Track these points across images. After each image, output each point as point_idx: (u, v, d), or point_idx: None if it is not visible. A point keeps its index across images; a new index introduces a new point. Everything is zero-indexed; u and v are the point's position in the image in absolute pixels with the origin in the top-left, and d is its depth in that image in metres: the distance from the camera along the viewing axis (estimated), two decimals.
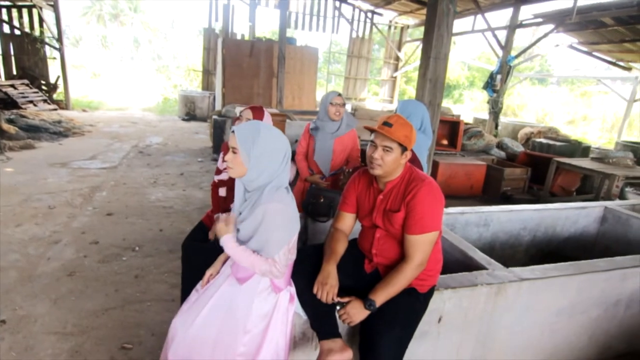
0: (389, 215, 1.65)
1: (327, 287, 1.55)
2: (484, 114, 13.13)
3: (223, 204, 2.42)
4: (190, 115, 12.52)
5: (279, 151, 1.47)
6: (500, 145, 7.47)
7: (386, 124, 1.57)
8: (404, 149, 1.61)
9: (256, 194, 1.46)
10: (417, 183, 1.62)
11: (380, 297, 1.56)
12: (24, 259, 3.27)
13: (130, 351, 2.32)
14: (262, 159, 1.44)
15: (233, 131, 1.47)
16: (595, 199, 5.34)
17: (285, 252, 1.44)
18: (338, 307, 1.61)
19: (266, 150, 1.44)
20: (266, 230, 1.41)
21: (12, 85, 10.73)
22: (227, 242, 1.48)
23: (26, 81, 11.40)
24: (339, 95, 2.91)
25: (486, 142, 7.04)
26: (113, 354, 2.28)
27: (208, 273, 1.70)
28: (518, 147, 7.41)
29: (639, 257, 2.41)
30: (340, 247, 1.73)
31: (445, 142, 6.75)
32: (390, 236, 1.69)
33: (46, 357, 2.24)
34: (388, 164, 1.60)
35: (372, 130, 1.64)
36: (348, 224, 1.84)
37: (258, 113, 2.34)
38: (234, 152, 1.45)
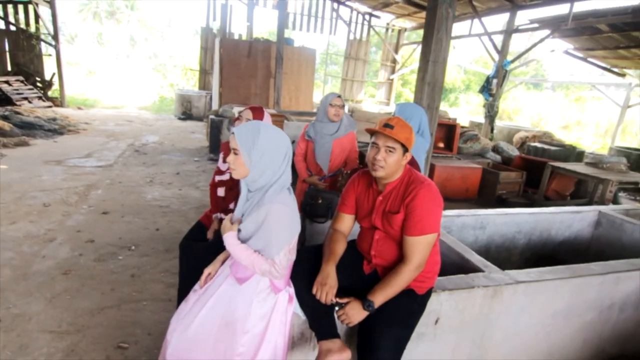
0: (388, 217, 1.66)
1: (327, 287, 1.56)
2: (480, 118, 13.22)
3: (222, 204, 2.42)
4: (187, 114, 12.49)
5: (280, 150, 1.48)
6: (495, 149, 7.52)
7: (387, 125, 1.58)
8: (405, 150, 1.62)
9: (259, 194, 1.46)
10: (417, 185, 1.63)
11: (379, 298, 1.57)
12: (18, 257, 3.24)
13: (126, 350, 2.31)
14: (263, 159, 1.44)
15: (233, 132, 1.48)
16: (589, 203, 5.40)
17: (286, 253, 1.45)
18: (337, 308, 1.61)
19: (267, 149, 1.45)
20: (267, 230, 1.41)
21: (7, 82, 10.65)
22: (230, 238, 1.50)
23: (21, 78, 11.32)
24: (339, 96, 2.92)
25: (482, 145, 7.09)
26: (109, 353, 2.27)
27: (206, 272, 1.70)
28: (513, 151, 7.47)
29: (633, 261, 2.44)
30: (340, 248, 1.74)
31: (441, 145, 6.79)
32: (389, 237, 1.70)
33: (41, 356, 2.22)
34: (391, 165, 1.62)
35: (372, 133, 1.65)
36: (347, 225, 1.85)
37: (258, 113, 2.34)
38: (235, 154, 1.45)
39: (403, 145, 1.61)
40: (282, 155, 1.48)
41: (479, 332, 2.06)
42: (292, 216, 1.46)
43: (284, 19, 9.96)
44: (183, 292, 2.25)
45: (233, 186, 2.41)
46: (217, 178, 2.50)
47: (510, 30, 9.58)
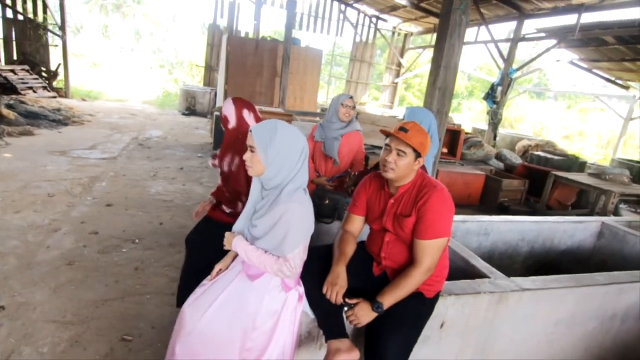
0: (400, 220, 1.68)
1: (337, 287, 1.57)
2: (481, 124, 13.25)
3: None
4: (191, 110, 12.50)
5: (296, 149, 1.49)
6: (499, 157, 7.54)
7: (403, 129, 1.60)
8: (417, 155, 1.63)
9: (275, 193, 1.48)
10: (430, 189, 1.64)
11: (388, 300, 1.58)
12: (23, 246, 3.25)
13: (130, 343, 2.32)
14: (280, 157, 1.46)
15: (251, 130, 1.49)
16: (591, 214, 5.43)
17: (300, 253, 1.46)
18: (346, 309, 1.62)
19: (283, 148, 1.46)
20: (283, 229, 1.42)
21: (13, 71, 10.64)
22: (239, 242, 1.53)
23: (27, 67, 11.30)
24: (351, 98, 2.94)
25: (486, 152, 7.11)
26: (113, 346, 2.28)
27: (217, 268, 1.71)
28: (517, 159, 7.49)
29: (636, 273, 2.46)
30: (350, 249, 1.75)
31: (445, 150, 6.80)
32: (399, 240, 1.71)
33: (45, 345, 2.23)
34: (401, 168, 1.63)
35: (387, 135, 1.67)
36: (357, 226, 1.86)
37: (238, 104, 2.33)
38: (252, 151, 1.47)
39: (416, 151, 1.62)
40: (298, 154, 1.49)
41: (483, 337, 2.07)
42: (308, 216, 1.48)
43: (292, 19, 9.98)
44: (185, 286, 2.26)
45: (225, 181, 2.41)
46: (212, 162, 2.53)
47: (517, 39, 9.61)
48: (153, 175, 5.64)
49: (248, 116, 2.33)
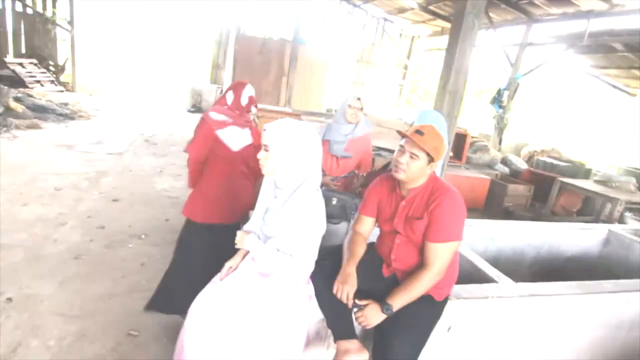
0: (411, 222, 1.68)
1: (347, 287, 1.57)
2: (484, 128, 13.19)
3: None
4: (197, 107, 12.52)
5: (310, 148, 1.50)
6: (504, 161, 7.52)
7: (418, 132, 1.60)
8: (431, 159, 1.63)
9: (287, 192, 1.48)
10: (442, 192, 1.64)
11: (398, 302, 1.58)
12: (30, 238, 3.27)
13: (136, 338, 2.33)
14: (293, 157, 1.46)
15: (265, 129, 1.50)
16: (596, 221, 5.40)
17: (312, 252, 1.47)
18: (355, 309, 1.63)
19: (296, 147, 1.47)
20: (295, 228, 1.43)
21: (21, 64, 10.71)
22: (252, 241, 1.53)
23: (34, 61, 11.37)
24: (358, 98, 2.91)
25: (491, 156, 7.10)
26: (119, 340, 2.29)
27: (227, 265, 1.71)
28: (522, 164, 7.48)
29: None
30: (360, 250, 1.76)
31: (450, 153, 6.79)
32: (410, 243, 1.71)
33: (52, 338, 2.24)
34: (412, 170, 1.63)
35: (403, 135, 1.67)
36: (367, 227, 1.86)
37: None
38: (266, 150, 1.48)
39: (429, 155, 1.62)
40: (311, 154, 1.50)
41: (489, 342, 2.07)
42: (320, 216, 1.48)
43: (301, 19, 9.98)
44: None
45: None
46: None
47: (524, 44, 9.58)
48: (159, 172, 5.66)
49: (229, 95, 2.42)
